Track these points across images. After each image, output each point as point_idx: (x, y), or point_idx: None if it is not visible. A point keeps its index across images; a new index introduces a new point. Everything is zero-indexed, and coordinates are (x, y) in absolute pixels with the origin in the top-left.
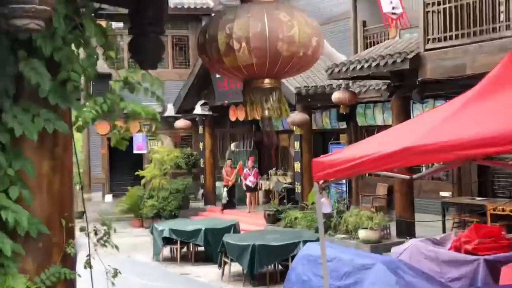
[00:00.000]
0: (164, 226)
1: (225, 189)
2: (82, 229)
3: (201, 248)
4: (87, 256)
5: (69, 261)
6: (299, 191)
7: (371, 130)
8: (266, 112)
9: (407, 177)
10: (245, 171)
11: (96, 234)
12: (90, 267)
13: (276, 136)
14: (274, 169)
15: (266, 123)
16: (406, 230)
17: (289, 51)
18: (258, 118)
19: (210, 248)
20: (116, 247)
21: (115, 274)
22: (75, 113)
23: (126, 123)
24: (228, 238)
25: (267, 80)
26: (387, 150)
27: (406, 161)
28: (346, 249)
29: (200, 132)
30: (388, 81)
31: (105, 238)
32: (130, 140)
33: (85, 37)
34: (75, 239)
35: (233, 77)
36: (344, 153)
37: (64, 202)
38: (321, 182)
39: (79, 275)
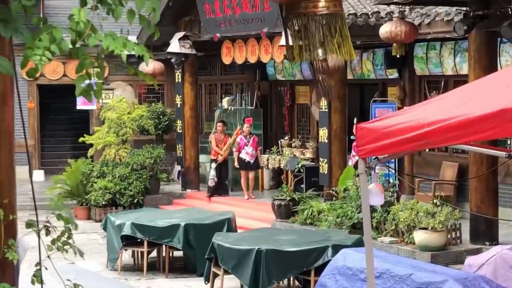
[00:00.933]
0: (124, 219)
1: (214, 165)
2: (30, 225)
3: (179, 253)
4: (36, 265)
5: (9, 272)
6: (326, 171)
7: (434, 82)
8: (322, 52)
9: (502, 154)
10: (238, 139)
11: (48, 232)
12: (41, 282)
13: (330, 89)
14: (287, 137)
15: (321, 69)
16: (486, 232)
17: None
18: (308, 60)
19: (193, 253)
20: (80, 252)
21: None
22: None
23: (98, 62)
24: (221, 239)
25: (322, 3)
26: (472, 113)
27: (503, 129)
28: (399, 259)
29: (177, 80)
30: (465, 8)
31: (63, 238)
32: (72, 90)
33: None
34: (18, 239)
35: None
36: (404, 117)
37: (1, 182)
38: (369, 159)
39: None
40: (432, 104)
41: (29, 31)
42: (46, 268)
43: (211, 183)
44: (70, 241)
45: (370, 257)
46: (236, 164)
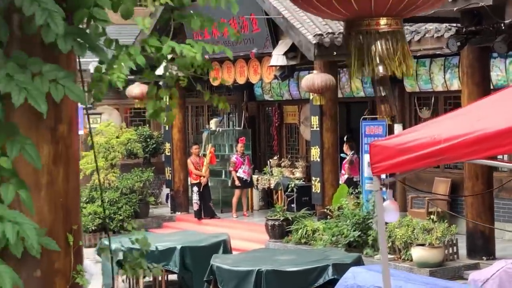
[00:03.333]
0: (118, 244)
1: (195, 189)
2: (102, 249)
3: (174, 276)
4: None
5: None
6: (318, 190)
7: (425, 99)
8: (382, 69)
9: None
10: (233, 158)
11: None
12: None
13: (393, 104)
14: (276, 157)
15: (381, 86)
16: (482, 247)
17: None
18: (368, 76)
19: (189, 276)
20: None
21: None
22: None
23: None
24: (220, 261)
25: (384, 21)
26: (490, 128)
27: None
28: (410, 276)
29: None
30: (456, 24)
31: (137, 261)
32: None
33: None
34: (84, 265)
35: (330, 15)
36: (420, 133)
37: (69, 208)
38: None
39: None
40: (447, 120)
41: (105, 51)
42: None
43: (195, 207)
44: (142, 263)
45: (387, 276)
46: (237, 182)
